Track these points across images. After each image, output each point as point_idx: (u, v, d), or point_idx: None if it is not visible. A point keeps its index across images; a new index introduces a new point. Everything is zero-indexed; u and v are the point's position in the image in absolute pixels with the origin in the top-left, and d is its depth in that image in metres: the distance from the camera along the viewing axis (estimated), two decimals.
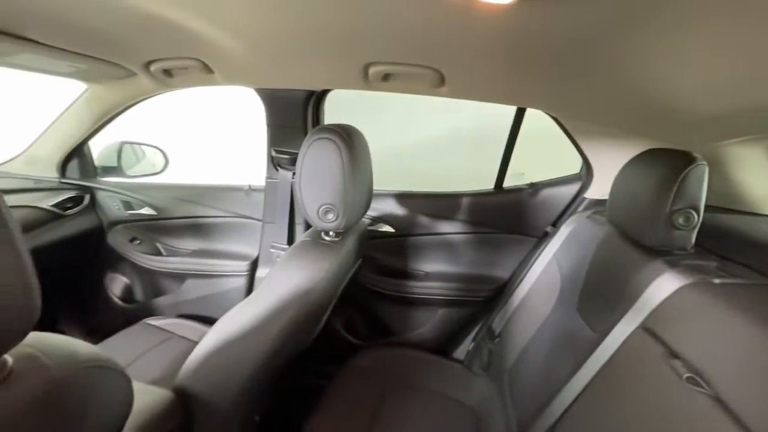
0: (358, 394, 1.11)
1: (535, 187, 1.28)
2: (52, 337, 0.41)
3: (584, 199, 1.19)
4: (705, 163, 0.73)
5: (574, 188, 1.22)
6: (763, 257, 0.71)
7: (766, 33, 0.48)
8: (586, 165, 1.19)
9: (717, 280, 0.62)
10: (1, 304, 0.30)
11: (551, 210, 1.26)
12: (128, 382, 0.49)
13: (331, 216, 0.84)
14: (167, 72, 1.14)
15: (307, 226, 1.39)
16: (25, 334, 0.33)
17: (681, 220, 0.71)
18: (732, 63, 0.56)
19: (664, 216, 0.72)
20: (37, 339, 0.39)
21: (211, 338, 0.82)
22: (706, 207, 0.75)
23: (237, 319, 0.82)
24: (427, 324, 1.40)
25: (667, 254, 0.75)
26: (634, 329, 0.67)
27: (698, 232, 0.78)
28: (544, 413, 0.81)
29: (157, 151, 1.65)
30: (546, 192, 1.27)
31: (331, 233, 0.90)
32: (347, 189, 0.82)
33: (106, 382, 0.44)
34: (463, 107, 2.09)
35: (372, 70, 0.94)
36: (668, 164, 0.74)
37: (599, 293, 0.86)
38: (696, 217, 0.72)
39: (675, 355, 0.56)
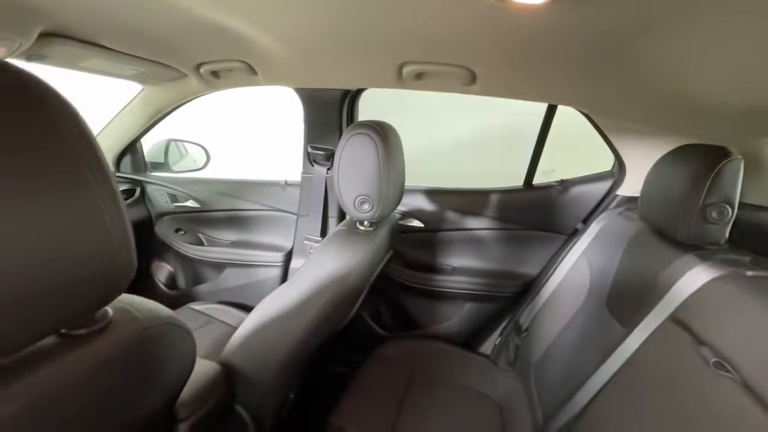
0: (383, 382, 1.16)
1: (565, 185, 1.28)
2: (137, 297, 0.48)
3: (616, 196, 1.18)
4: (740, 157, 0.73)
5: (605, 185, 1.22)
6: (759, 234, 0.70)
7: None
8: (618, 162, 1.18)
9: (749, 273, 0.63)
10: (107, 259, 0.37)
11: (582, 207, 1.26)
12: (194, 343, 0.56)
13: (366, 206, 0.89)
14: (215, 73, 1.23)
15: (340, 219, 1.45)
16: (124, 289, 0.40)
17: (714, 215, 0.71)
18: (766, 58, 0.57)
19: (697, 210, 0.72)
20: (127, 297, 0.46)
21: (254, 318, 0.88)
22: (745, 205, 0.75)
23: (278, 301, 0.88)
24: (454, 318, 1.43)
25: (699, 248, 0.75)
26: (663, 320, 0.68)
27: (737, 230, 0.78)
28: (569, 404, 0.83)
29: (200, 149, 1.76)
30: (576, 189, 1.27)
31: (365, 223, 0.96)
32: (382, 181, 0.87)
33: (179, 339, 0.51)
34: (494, 106, 2.10)
35: (406, 70, 0.99)
36: (702, 159, 0.74)
37: (629, 288, 0.87)
38: (730, 211, 0.72)
39: (702, 342, 0.57)
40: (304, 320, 0.87)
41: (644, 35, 0.63)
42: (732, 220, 0.73)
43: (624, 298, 0.87)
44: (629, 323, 0.78)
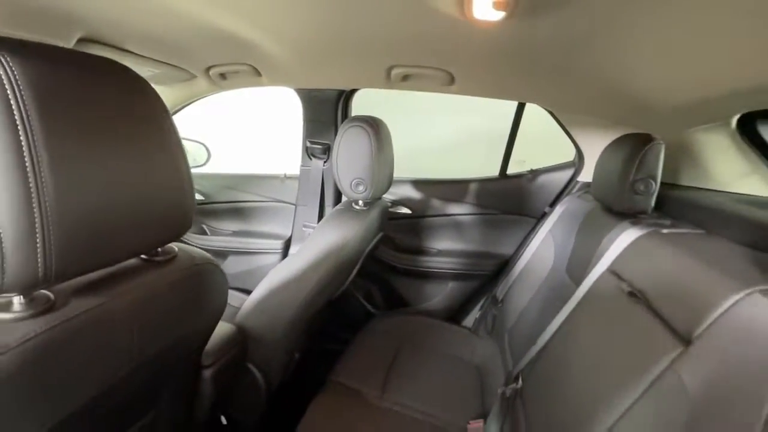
0: (375, 350, 1.30)
1: (534, 173, 1.46)
2: (189, 246, 0.62)
3: (577, 182, 1.36)
4: (662, 142, 0.91)
5: (568, 173, 1.40)
6: (712, 219, 0.87)
7: (716, 33, 0.61)
8: (578, 152, 1.36)
9: (665, 231, 0.79)
10: (179, 203, 0.51)
11: (549, 193, 1.43)
12: (227, 285, 0.70)
13: (361, 188, 1.04)
14: (222, 75, 1.37)
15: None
16: (187, 229, 0.54)
17: (642, 187, 0.89)
18: (692, 61, 0.71)
19: (629, 184, 0.89)
20: (183, 244, 0.61)
21: (263, 286, 1.03)
22: (677, 186, 0.92)
23: (284, 270, 1.02)
24: (439, 295, 1.59)
25: (632, 216, 0.92)
26: (602, 273, 0.84)
27: (672, 205, 0.94)
28: (529, 351, 0.99)
29: (201, 146, 1.89)
30: (544, 177, 1.44)
31: (360, 203, 1.11)
32: (374, 166, 1.02)
33: (220, 277, 0.65)
34: (476, 108, 2.28)
35: (394, 72, 1.15)
36: (633, 144, 0.92)
37: (582, 254, 1.03)
38: (654, 184, 0.90)
39: (622, 280, 0.74)
40: (306, 286, 1.01)
41: (589, 42, 0.76)
42: (656, 192, 0.90)
43: (578, 263, 1.03)
44: (579, 281, 0.95)
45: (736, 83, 0.77)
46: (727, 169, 1.06)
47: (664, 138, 0.97)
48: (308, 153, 1.54)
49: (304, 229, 1.61)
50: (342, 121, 1.52)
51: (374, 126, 1.03)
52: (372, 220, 1.14)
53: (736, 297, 0.50)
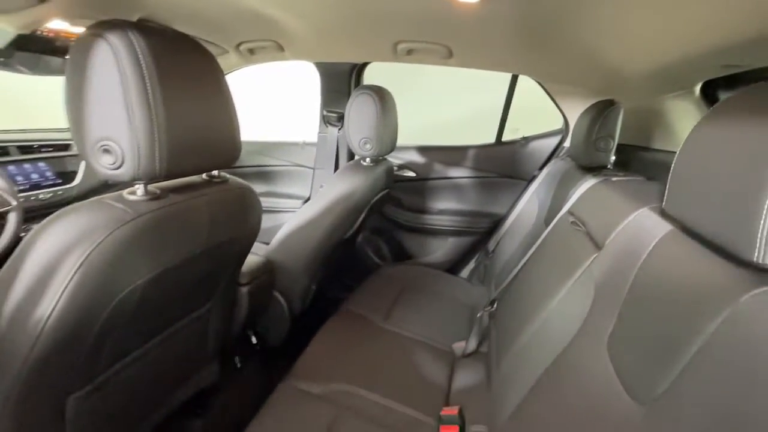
0: (381, 291, 1.52)
1: (526, 140, 1.62)
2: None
3: (563, 147, 1.52)
4: (621, 105, 1.06)
5: (556, 140, 1.55)
6: (658, 171, 1.03)
7: (673, 4, 0.67)
8: (565, 120, 1.51)
9: (614, 179, 0.97)
10: (229, 137, 0.71)
11: (539, 158, 1.60)
12: (261, 208, 0.91)
13: (368, 146, 1.24)
14: (251, 50, 1.56)
15: None
16: (236, 159, 0.75)
17: (602, 144, 1.05)
18: (655, 30, 0.82)
19: (591, 142, 1.06)
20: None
21: (287, 227, 1.25)
22: (648, 149, 1.07)
23: (303, 215, 1.24)
24: (439, 250, 1.79)
25: (594, 170, 1.09)
26: (563, 214, 1.03)
27: (638, 165, 1.09)
28: (504, 282, 1.18)
29: None
30: (535, 144, 1.60)
31: (367, 160, 1.31)
32: (379, 127, 1.21)
33: (257, 201, 0.86)
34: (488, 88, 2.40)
35: (399, 47, 1.31)
36: (597, 108, 1.08)
37: (555, 205, 1.21)
38: (612, 142, 1.06)
39: (571, 213, 0.92)
40: (321, 227, 1.23)
41: (570, 13, 0.85)
42: (614, 149, 1.07)
43: (551, 212, 1.21)
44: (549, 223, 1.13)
45: (695, 49, 0.88)
46: None
47: (638, 105, 1.12)
48: (325, 121, 1.74)
49: (321, 189, 1.82)
50: None
51: (380, 93, 1.21)
52: (377, 175, 1.34)
53: (635, 213, 0.68)
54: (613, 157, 1.08)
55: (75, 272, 0.48)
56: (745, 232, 0.37)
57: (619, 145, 1.13)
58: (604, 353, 0.59)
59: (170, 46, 0.60)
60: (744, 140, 0.41)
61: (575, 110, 1.46)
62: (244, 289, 1.13)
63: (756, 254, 0.36)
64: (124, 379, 0.68)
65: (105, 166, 0.54)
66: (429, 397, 0.97)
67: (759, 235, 0.35)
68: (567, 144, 1.51)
